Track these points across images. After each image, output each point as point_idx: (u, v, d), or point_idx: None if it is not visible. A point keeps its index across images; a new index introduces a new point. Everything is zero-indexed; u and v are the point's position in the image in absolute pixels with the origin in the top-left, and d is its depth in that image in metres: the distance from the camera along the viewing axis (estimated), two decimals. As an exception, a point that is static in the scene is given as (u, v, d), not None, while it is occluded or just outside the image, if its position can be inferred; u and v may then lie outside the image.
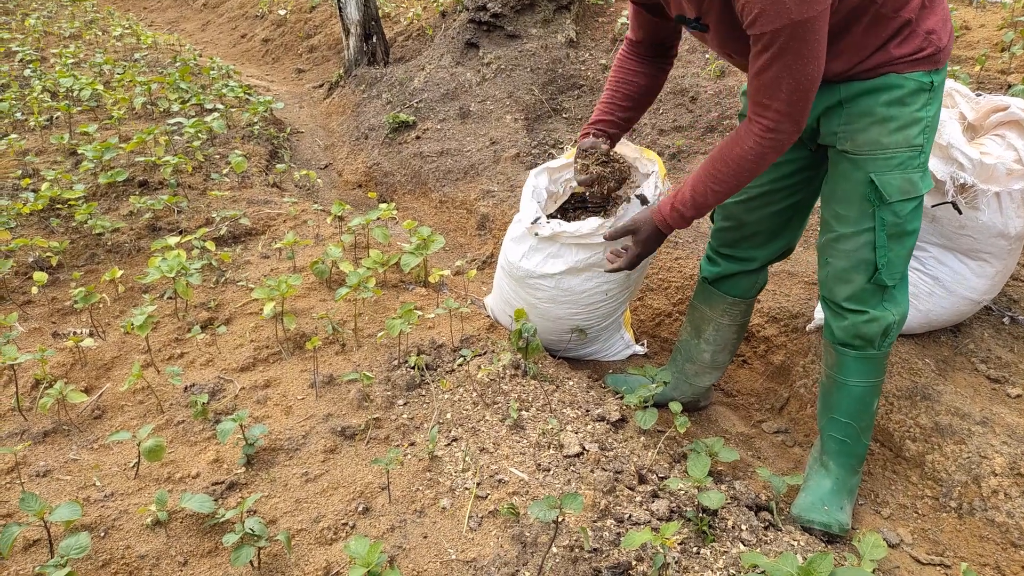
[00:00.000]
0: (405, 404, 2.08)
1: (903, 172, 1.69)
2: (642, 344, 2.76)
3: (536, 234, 2.28)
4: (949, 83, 2.43)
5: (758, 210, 2.05)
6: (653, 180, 2.24)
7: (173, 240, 2.80)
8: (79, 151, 3.89)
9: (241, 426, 1.88)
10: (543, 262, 2.32)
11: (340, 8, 6.02)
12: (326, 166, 5.09)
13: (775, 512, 1.83)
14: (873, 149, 1.70)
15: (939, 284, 2.32)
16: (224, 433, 1.81)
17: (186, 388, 2.22)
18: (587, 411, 2.05)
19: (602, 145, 2.09)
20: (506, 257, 2.45)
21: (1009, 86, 3.65)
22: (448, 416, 2.02)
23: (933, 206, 2.23)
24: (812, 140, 1.88)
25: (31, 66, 5.87)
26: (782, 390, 2.53)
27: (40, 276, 2.67)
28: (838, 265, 1.82)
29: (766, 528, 1.73)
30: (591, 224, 2.22)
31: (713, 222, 2.22)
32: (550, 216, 2.41)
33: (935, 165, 2.21)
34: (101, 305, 2.76)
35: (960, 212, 2.18)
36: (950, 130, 2.20)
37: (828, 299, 1.88)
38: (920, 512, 2.01)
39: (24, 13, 8.56)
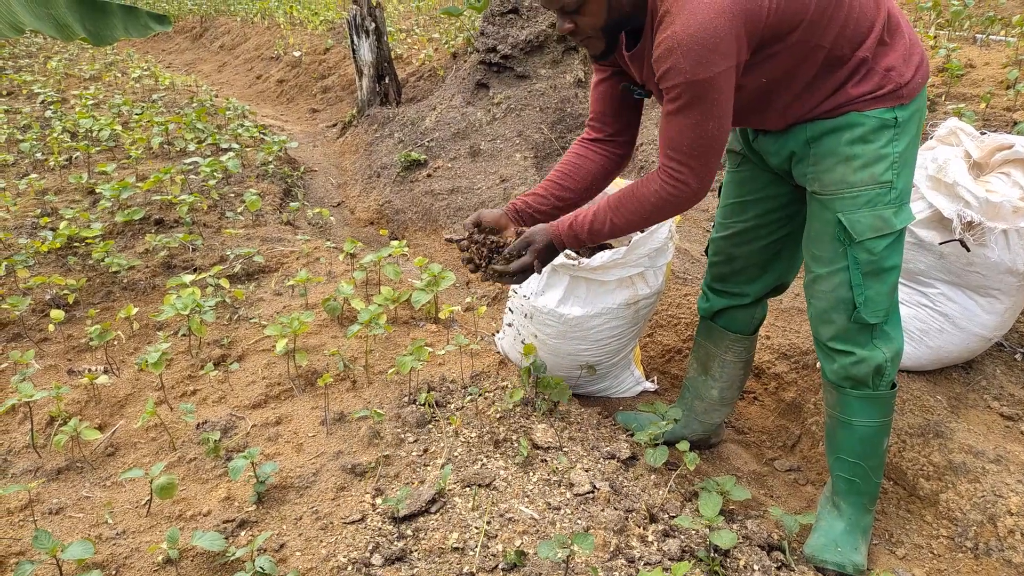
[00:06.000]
0: (415, 441, 2.09)
1: (872, 209, 1.69)
2: (652, 380, 2.76)
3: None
4: (953, 122, 2.45)
5: (745, 245, 2.07)
6: (667, 222, 2.27)
7: (188, 278, 2.84)
8: (97, 190, 3.97)
9: (252, 464, 1.89)
10: (552, 297, 2.35)
11: (354, 51, 6.16)
12: (339, 204, 5.16)
13: (788, 552, 1.81)
14: (839, 188, 1.71)
15: (949, 321, 2.32)
16: (236, 471, 1.82)
17: (198, 425, 2.24)
18: (597, 449, 2.05)
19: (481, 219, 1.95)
20: (516, 293, 2.47)
21: (1015, 123, 3.68)
22: (458, 453, 2.02)
23: (941, 243, 2.24)
24: (791, 177, 1.90)
25: (52, 107, 6.02)
26: (794, 427, 2.52)
27: (57, 314, 2.71)
28: (819, 306, 1.82)
29: (779, 568, 1.71)
30: (602, 257, 2.24)
31: (707, 256, 2.23)
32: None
33: (942, 202, 2.23)
34: (116, 342, 2.80)
35: (968, 249, 2.19)
36: (955, 168, 2.23)
37: (817, 340, 1.88)
38: (936, 552, 1.98)
39: (47, 56, 8.79)
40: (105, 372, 2.59)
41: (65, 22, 3.17)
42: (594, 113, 1.96)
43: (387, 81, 6.28)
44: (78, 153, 4.79)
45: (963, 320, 2.31)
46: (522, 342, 2.44)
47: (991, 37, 5.18)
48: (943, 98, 4.17)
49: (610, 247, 2.38)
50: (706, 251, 2.23)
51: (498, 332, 2.76)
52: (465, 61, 6.06)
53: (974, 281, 2.28)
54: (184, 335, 2.79)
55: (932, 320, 2.34)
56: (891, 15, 1.67)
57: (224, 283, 3.00)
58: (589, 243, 1.82)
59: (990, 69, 4.39)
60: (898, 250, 1.75)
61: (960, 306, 2.31)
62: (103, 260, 3.21)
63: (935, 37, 5.17)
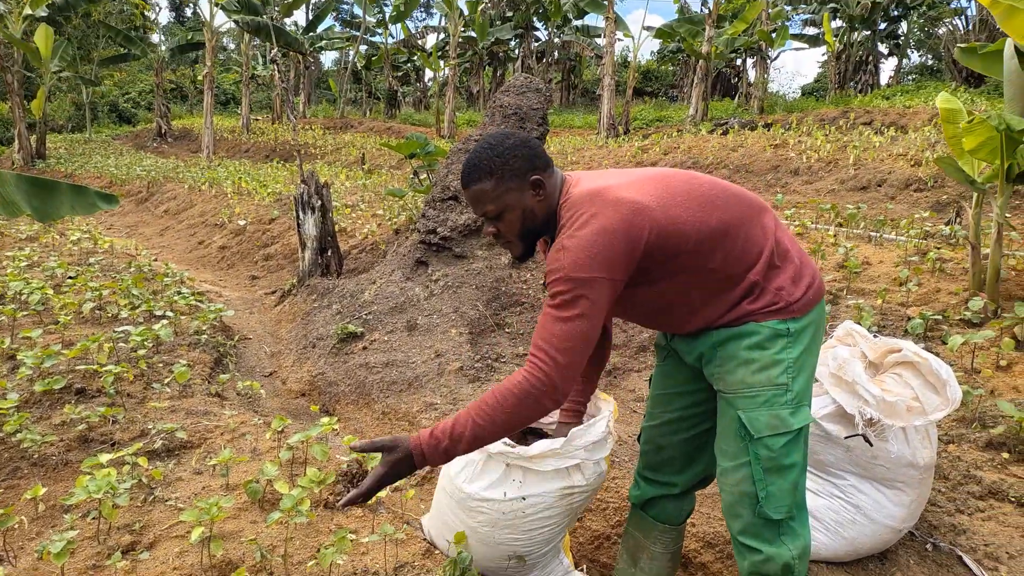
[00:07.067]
0: (332, 643, 1.99)
1: (769, 409, 1.83)
2: (581, 570, 2.72)
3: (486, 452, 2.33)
4: (849, 324, 2.70)
5: (672, 435, 2.18)
6: (605, 416, 2.33)
7: (105, 457, 2.73)
8: (18, 356, 3.86)
9: (153, 672, 1.75)
10: (486, 485, 2.35)
11: (299, 224, 6.39)
12: (271, 374, 5.12)
13: None
14: (739, 388, 1.87)
15: (860, 512, 2.42)
16: None
17: (97, 624, 2.08)
18: (522, 650, 1.99)
19: None
20: (448, 477, 2.47)
21: (909, 318, 4.03)
22: (377, 657, 1.93)
23: (846, 438, 2.39)
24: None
25: (-18, 268, 5.93)
26: (720, 623, 2.50)
27: (-45, 494, 2.55)
28: (727, 499, 1.92)
29: None
30: (540, 446, 2.28)
31: (639, 444, 2.32)
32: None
33: (844, 399, 2.40)
34: (17, 526, 2.62)
35: (871, 444, 2.34)
36: (853, 368, 2.42)
37: (732, 535, 1.94)
38: None
39: (-16, 214, 8.76)
40: (0, 562, 2.41)
41: (12, 199, 3.27)
42: None
43: (329, 254, 6.47)
44: (3, 317, 4.68)
45: (873, 512, 2.41)
46: (451, 530, 2.40)
47: (884, 236, 5.76)
48: (844, 292, 4.55)
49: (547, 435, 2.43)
50: (638, 439, 2.32)
51: (426, 516, 2.71)
52: (407, 238, 6.34)
53: (880, 473, 2.41)
54: (93, 518, 2.64)
55: (845, 511, 2.44)
56: (779, 242, 1.91)
57: (143, 461, 2.89)
58: (453, 451, 1.77)
59: (884, 267, 4.85)
60: (797, 448, 1.86)
61: (870, 498, 2.43)
62: (15, 434, 3.07)
63: (835, 235, 5.72)
